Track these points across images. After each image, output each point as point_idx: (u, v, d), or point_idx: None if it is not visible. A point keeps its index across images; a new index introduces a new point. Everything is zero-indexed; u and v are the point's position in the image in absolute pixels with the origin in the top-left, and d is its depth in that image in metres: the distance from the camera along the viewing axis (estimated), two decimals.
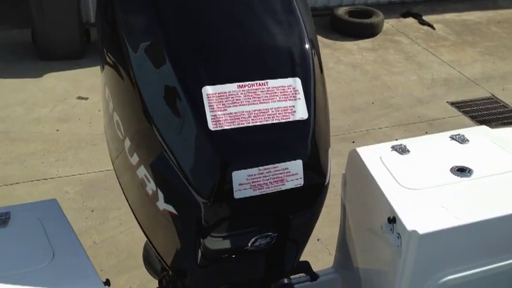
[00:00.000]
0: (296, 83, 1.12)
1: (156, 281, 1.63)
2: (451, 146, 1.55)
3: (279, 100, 1.10)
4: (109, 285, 1.24)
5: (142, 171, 1.18)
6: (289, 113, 1.10)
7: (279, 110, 1.10)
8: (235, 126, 1.06)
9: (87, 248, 1.43)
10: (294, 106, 1.11)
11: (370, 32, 5.85)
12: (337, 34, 5.83)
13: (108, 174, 3.61)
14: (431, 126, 4.31)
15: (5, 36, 5.26)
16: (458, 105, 4.71)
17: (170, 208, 1.15)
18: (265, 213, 1.16)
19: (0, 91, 4.44)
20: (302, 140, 1.10)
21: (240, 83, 1.09)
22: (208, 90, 1.07)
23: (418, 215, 1.29)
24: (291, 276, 1.42)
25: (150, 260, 1.85)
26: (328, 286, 1.70)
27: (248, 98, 1.09)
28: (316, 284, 1.59)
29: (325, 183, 1.17)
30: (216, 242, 1.19)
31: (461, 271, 1.32)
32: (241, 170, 1.05)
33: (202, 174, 1.08)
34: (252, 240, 1.19)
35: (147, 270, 1.88)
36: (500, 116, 4.56)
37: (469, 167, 1.45)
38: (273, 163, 1.08)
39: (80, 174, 3.59)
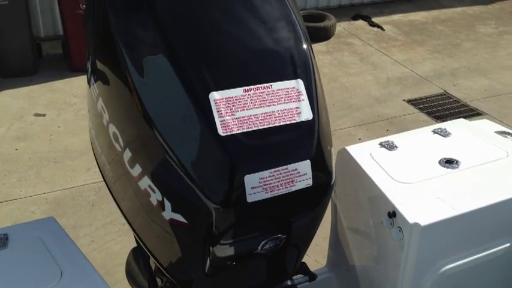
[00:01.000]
0: (299, 84, 1.13)
1: None
2: (435, 139, 1.61)
3: (284, 102, 1.11)
4: None
5: (145, 182, 1.16)
6: (294, 114, 1.11)
7: (284, 112, 1.11)
8: (244, 131, 1.06)
9: None
10: (298, 107, 1.12)
11: (323, 35, 5.97)
12: None
13: (74, 192, 3.53)
14: (391, 124, 4.44)
15: None
16: (414, 102, 4.87)
17: (178, 217, 1.13)
18: (276, 216, 1.16)
19: None
20: (309, 140, 1.11)
21: (246, 87, 1.09)
22: (215, 96, 1.06)
23: (417, 208, 1.32)
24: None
25: (133, 275, 1.81)
26: (323, 285, 1.72)
27: (254, 102, 1.09)
28: (312, 284, 1.61)
29: (332, 183, 1.18)
30: (226, 249, 1.18)
31: (459, 259, 1.36)
32: (254, 174, 1.05)
33: (214, 180, 1.07)
34: (262, 244, 1.19)
35: (131, 286, 1.84)
36: (455, 110, 4.75)
37: (455, 158, 1.50)
38: (283, 165, 1.08)
39: (44, 193, 3.48)
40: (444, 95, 5.05)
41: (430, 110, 4.74)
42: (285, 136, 1.10)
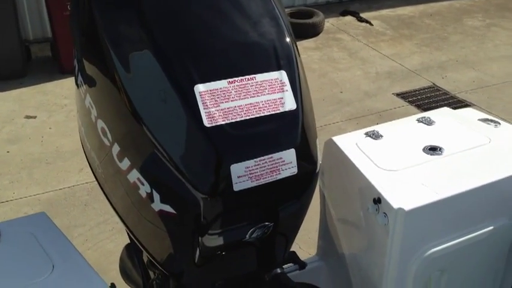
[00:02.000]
0: (282, 75, 1.16)
1: None
2: (420, 128, 1.64)
3: (268, 93, 1.14)
4: None
5: (134, 175, 1.19)
6: (278, 104, 1.14)
7: (268, 103, 1.13)
8: (230, 121, 1.09)
9: None
10: (282, 98, 1.15)
11: (312, 31, 6.00)
12: None
13: (67, 192, 3.54)
14: (381, 118, 4.47)
15: None
16: (403, 95, 4.91)
17: (167, 208, 1.16)
18: (262, 204, 1.19)
19: None
20: (293, 129, 1.14)
21: (230, 79, 1.12)
22: (200, 88, 1.09)
23: (401, 194, 1.36)
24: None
25: (127, 271, 1.83)
26: (313, 274, 1.74)
27: (239, 93, 1.11)
28: (302, 273, 1.63)
29: (316, 171, 1.21)
30: (214, 239, 1.21)
31: (443, 243, 1.40)
32: (239, 163, 1.08)
33: (200, 170, 1.10)
34: (249, 232, 1.22)
35: (125, 282, 1.86)
36: (443, 102, 4.79)
37: (439, 145, 1.54)
38: (268, 154, 1.11)
39: (37, 194, 3.49)
40: (433, 87, 5.09)
41: (419, 103, 4.78)
42: (269, 126, 1.12)
